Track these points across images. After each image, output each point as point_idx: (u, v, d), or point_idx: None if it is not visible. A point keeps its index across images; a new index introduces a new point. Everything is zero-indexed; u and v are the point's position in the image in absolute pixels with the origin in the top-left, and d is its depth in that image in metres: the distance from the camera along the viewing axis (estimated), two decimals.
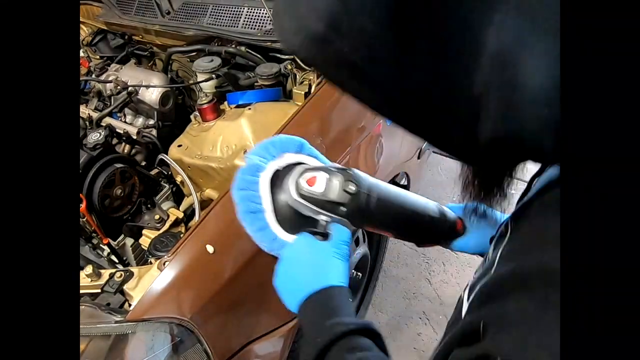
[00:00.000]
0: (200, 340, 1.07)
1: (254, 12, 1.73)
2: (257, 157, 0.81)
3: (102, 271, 1.14)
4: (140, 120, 1.82)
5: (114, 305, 1.07)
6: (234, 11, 1.76)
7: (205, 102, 1.49)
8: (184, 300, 1.06)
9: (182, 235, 1.18)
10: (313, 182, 0.75)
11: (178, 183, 1.56)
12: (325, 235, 0.77)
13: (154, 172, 1.60)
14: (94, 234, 1.48)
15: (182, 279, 1.06)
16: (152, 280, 1.05)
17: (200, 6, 1.82)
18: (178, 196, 1.66)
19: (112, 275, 1.11)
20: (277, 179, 0.80)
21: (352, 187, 0.73)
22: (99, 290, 1.11)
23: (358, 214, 0.75)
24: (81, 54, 2.33)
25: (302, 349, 0.71)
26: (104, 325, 1.02)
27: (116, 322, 1.02)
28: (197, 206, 1.30)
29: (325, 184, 0.74)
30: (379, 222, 0.81)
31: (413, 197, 0.86)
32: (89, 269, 1.11)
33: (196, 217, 1.30)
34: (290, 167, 0.81)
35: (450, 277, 2.44)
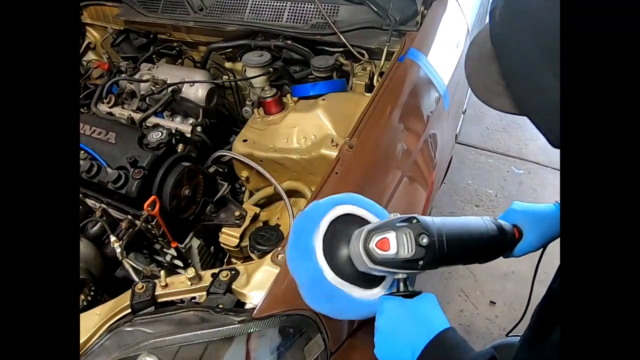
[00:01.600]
0: (321, 329, 1.03)
1: (298, 7, 1.71)
2: (306, 221, 0.81)
3: (202, 273, 1.09)
4: (177, 120, 1.76)
5: (227, 306, 1.02)
6: (277, 6, 1.73)
7: (269, 95, 1.46)
8: None
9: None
10: (384, 245, 0.72)
11: (242, 179, 1.52)
12: (407, 293, 0.77)
13: (210, 170, 1.55)
14: (159, 239, 1.41)
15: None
16: (272, 276, 1.01)
17: (238, 1, 1.78)
18: (232, 194, 1.62)
19: (215, 276, 1.06)
20: (333, 235, 0.80)
21: (424, 240, 0.72)
22: (204, 293, 1.06)
23: (433, 262, 0.74)
24: (93, 56, 2.26)
25: None
26: (225, 327, 0.96)
27: (239, 322, 0.97)
28: (285, 198, 1.27)
29: (397, 243, 0.72)
30: (452, 260, 0.80)
31: (473, 223, 0.86)
32: (191, 272, 1.05)
33: (289, 209, 1.26)
34: (343, 221, 0.81)
35: None
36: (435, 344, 0.71)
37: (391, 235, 0.72)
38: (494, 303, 2.32)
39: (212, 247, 1.53)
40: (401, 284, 0.77)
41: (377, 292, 0.81)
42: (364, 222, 0.82)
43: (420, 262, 0.72)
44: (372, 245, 0.72)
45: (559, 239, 1.01)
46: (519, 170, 3.10)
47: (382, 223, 0.75)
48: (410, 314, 0.75)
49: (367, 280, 0.80)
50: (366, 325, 1.20)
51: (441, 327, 0.73)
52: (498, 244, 0.89)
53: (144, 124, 1.62)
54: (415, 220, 0.73)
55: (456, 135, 2.07)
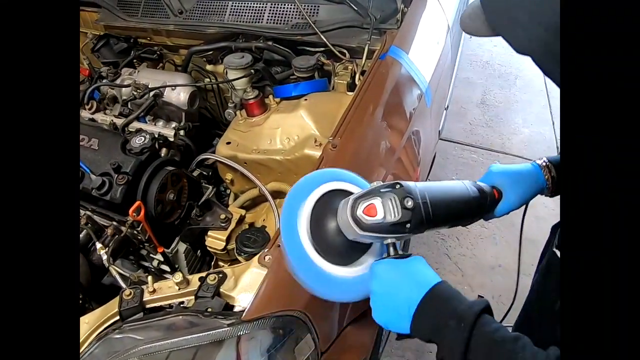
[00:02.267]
0: (311, 330, 1.03)
1: (278, 8, 1.71)
2: (293, 200, 0.82)
3: (190, 277, 1.08)
4: (159, 124, 1.75)
5: (215, 310, 1.01)
6: (257, 7, 1.73)
7: (251, 97, 1.46)
8: (294, 292, 1.02)
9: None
10: (371, 211, 0.74)
11: (227, 182, 1.51)
12: (397, 256, 0.79)
13: (194, 173, 1.55)
14: (145, 244, 1.40)
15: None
16: (260, 278, 1.00)
17: (218, 4, 1.78)
18: (217, 197, 1.62)
19: (203, 280, 1.06)
20: (322, 210, 0.82)
21: (409, 203, 0.74)
22: (192, 297, 1.05)
23: (420, 224, 0.76)
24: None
25: (443, 343, 0.72)
26: (215, 331, 0.96)
27: (229, 325, 0.97)
28: (270, 199, 1.27)
29: (384, 209, 0.74)
30: (437, 222, 0.82)
31: (454, 186, 0.88)
32: (178, 276, 1.05)
33: (274, 210, 1.26)
34: (328, 197, 0.83)
35: (466, 250, 2.60)
36: (430, 297, 0.73)
37: (377, 201, 0.74)
38: (482, 297, 2.33)
39: (199, 251, 1.53)
40: (391, 249, 0.78)
41: (364, 267, 0.83)
42: (348, 194, 0.83)
43: (408, 225, 0.74)
44: (359, 212, 0.74)
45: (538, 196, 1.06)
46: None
47: (368, 190, 0.77)
48: (402, 273, 0.76)
49: (356, 252, 0.83)
50: (355, 323, 1.21)
51: (434, 282, 0.74)
52: (479, 205, 0.92)
53: (126, 129, 1.61)
54: (399, 186, 0.75)
55: (439, 131, 2.08)
